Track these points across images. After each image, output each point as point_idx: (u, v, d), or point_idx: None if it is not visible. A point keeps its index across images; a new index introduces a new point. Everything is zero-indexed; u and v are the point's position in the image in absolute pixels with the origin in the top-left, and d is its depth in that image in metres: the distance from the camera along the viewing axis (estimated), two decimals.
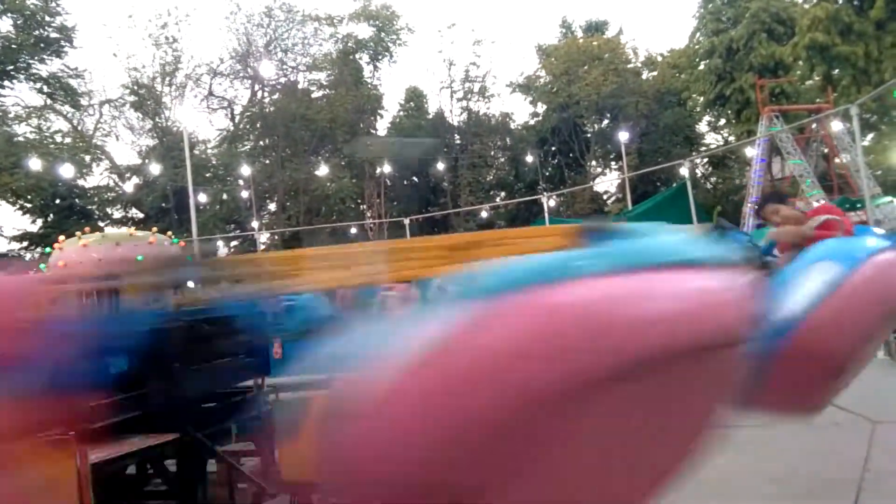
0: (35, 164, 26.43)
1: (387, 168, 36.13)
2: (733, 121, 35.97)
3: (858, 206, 17.58)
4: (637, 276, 1.35)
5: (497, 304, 1.27)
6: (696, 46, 37.70)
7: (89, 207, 33.00)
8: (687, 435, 1.55)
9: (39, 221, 31.58)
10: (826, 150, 27.12)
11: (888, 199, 18.26)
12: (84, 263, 7.61)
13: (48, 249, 8.62)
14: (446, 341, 1.23)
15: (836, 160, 26.27)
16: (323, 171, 35.04)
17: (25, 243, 31.13)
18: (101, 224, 31.02)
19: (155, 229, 10.24)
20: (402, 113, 41.99)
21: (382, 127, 41.55)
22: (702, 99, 37.72)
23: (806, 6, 27.17)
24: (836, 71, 25.72)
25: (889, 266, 2.36)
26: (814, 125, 25.94)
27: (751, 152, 27.83)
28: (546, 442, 1.27)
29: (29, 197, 30.36)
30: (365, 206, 38.77)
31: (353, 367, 1.32)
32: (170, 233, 10.82)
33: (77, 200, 32.31)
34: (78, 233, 9.08)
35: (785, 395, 2.27)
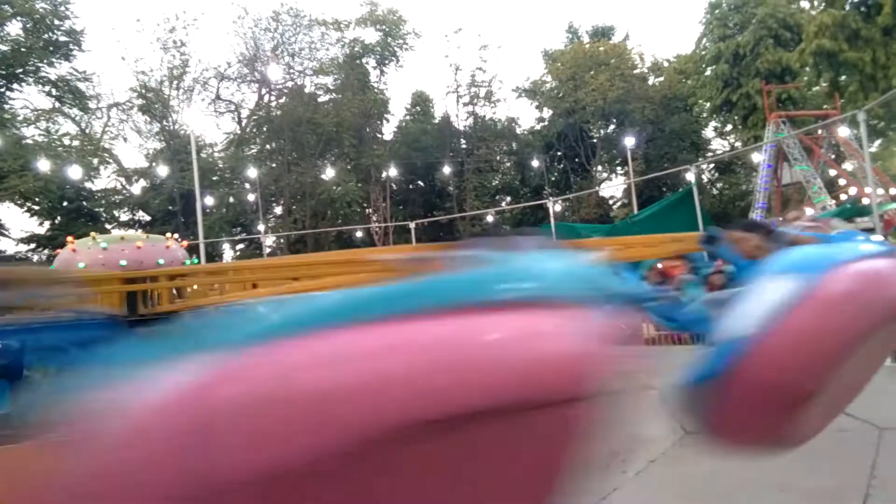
0: (43, 166, 26.59)
1: (393, 172, 36.21)
2: (740, 126, 35.93)
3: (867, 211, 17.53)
4: (449, 316, 1.10)
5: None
6: (703, 52, 37.70)
7: (97, 210, 33.16)
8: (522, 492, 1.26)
9: (47, 224, 31.75)
10: (834, 156, 27.06)
11: (893, 205, 18.20)
12: (105, 265, 7.53)
13: (69, 248, 8.44)
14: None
15: (846, 166, 26.20)
16: (329, 174, 35.13)
17: (33, 245, 31.29)
18: (108, 227, 31.18)
19: (168, 235, 10.22)
20: (408, 117, 42.10)
21: (388, 131, 41.71)
22: (708, 104, 37.71)
23: (813, 12, 27.13)
24: (843, 77, 25.65)
25: (873, 274, 1.98)
26: (821, 131, 25.88)
27: (757, 158, 27.80)
28: None
29: (37, 199, 30.51)
30: (371, 210, 38.85)
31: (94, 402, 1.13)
32: (176, 235, 10.83)
33: (84, 203, 32.48)
34: (92, 234, 9.03)
35: (739, 429, 1.96)
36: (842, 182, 25.34)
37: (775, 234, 3.05)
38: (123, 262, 7.69)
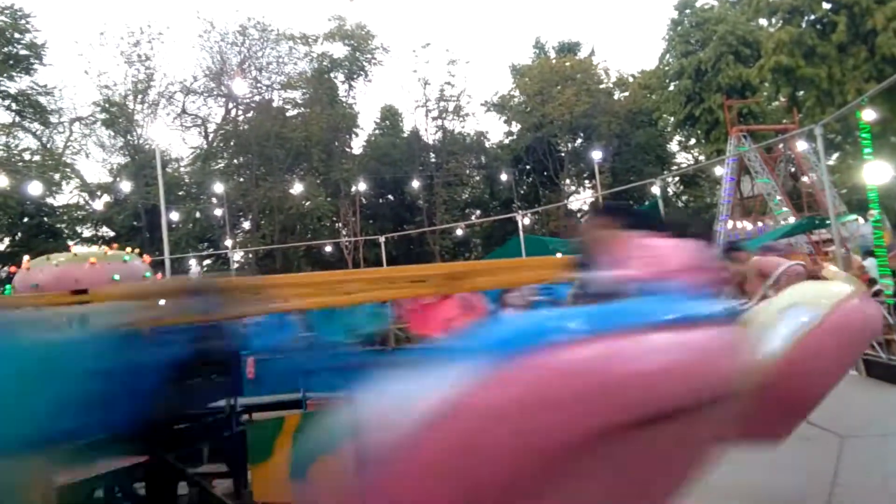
0: (2, 182, 25.92)
1: (362, 186, 36.10)
2: (703, 140, 36.66)
3: (826, 223, 17.98)
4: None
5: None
6: (666, 68, 38.45)
7: (58, 226, 32.43)
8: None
9: (7, 240, 30.92)
10: (793, 169, 27.72)
11: (853, 217, 18.71)
12: (59, 283, 7.38)
13: (25, 267, 8.27)
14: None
15: (804, 178, 26.85)
16: (298, 189, 34.87)
17: None
18: (69, 243, 30.46)
19: (129, 249, 10.03)
20: (377, 131, 42.08)
21: (358, 145, 41.63)
22: (672, 119, 38.43)
23: (771, 30, 27.87)
24: (801, 92, 26.36)
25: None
26: (781, 145, 26.52)
27: (720, 171, 28.35)
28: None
29: None
30: (340, 225, 38.64)
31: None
32: (137, 249, 10.64)
33: (46, 219, 31.74)
34: (46, 256, 8.85)
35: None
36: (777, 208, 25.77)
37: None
38: (76, 280, 7.53)
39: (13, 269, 8.63)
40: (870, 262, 9.83)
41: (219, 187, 32.34)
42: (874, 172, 9.01)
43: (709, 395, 1.45)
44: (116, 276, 8.09)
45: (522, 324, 1.58)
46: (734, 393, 1.54)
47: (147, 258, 10.19)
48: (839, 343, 2.33)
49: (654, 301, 1.63)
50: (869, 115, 9.02)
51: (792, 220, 22.46)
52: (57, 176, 32.26)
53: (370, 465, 1.34)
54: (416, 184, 36.85)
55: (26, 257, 8.61)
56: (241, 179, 37.30)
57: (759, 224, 25.75)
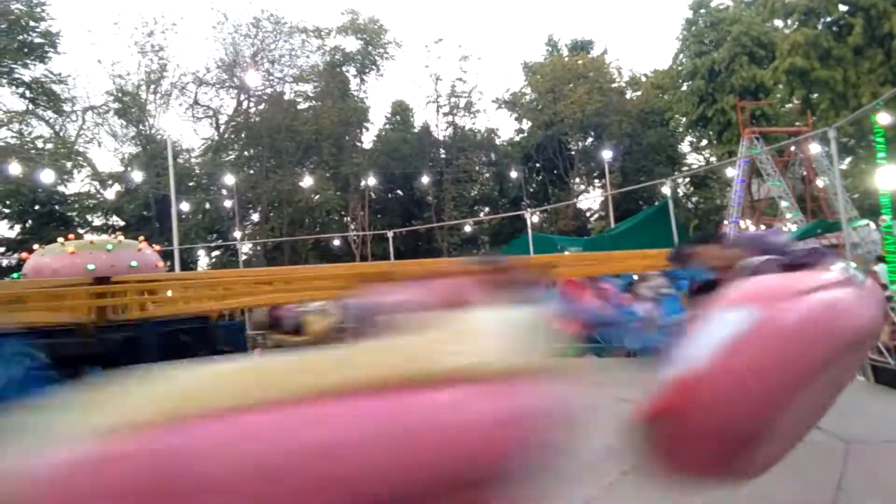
0: (14, 169, 26.09)
1: (372, 181, 36.12)
2: (715, 141, 36.46)
3: (837, 227, 17.86)
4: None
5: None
6: (680, 68, 38.24)
7: (69, 214, 32.61)
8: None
9: (17, 227, 31.13)
10: (805, 173, 27.55)
11: (864, 221, 18.57)
12: (74, 270, 7.41)
13: (39, 253, 8.31)
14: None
15: (818, 182, 26.69)
16: (307, 182, 34.94)
17: (2, 249, 30.66)
18: (80, 231, 30.64)
19: (142, 238, 10.07)
20: (387, 126, 42.09)
21: (368, 140, 41.67)
22: (684, 119, 38.23)
23: (786, 31, 27.66)
24: (815, 95, 26.17)
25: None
26: (793, 147, 26.35)
27: (731, 173, 28.21)
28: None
29: (7, 202, 29.95)
30: (349, 219, 38.69)
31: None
32: (145, 240, 10.69)
33: (57, 207, 31.92)
34: (60, 239, 8.88)
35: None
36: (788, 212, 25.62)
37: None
38: (91, 267, 7.56)
39: (25, 255, 8.66)
40: (881, 268, 9.76)
41: (229, 179, 32.45)
42: (887, 177, 8.92)
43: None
44: (134, 263, 8.13)
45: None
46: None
47: (157, 247, 10.24)
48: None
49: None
50: (884, 118, 8.93)
51: (802, 223, 22.32)
52: (69, 164, 32.46)
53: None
54: (425, 179, 36.84)
55: (36, 245, 8.64)
56: (252, 171, 37.40)
57: (762, 227, 25.60)
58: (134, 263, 8.12)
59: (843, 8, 24.55)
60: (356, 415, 1.11)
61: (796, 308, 1.83)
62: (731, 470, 1.90)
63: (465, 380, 1.19)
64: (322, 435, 1.08)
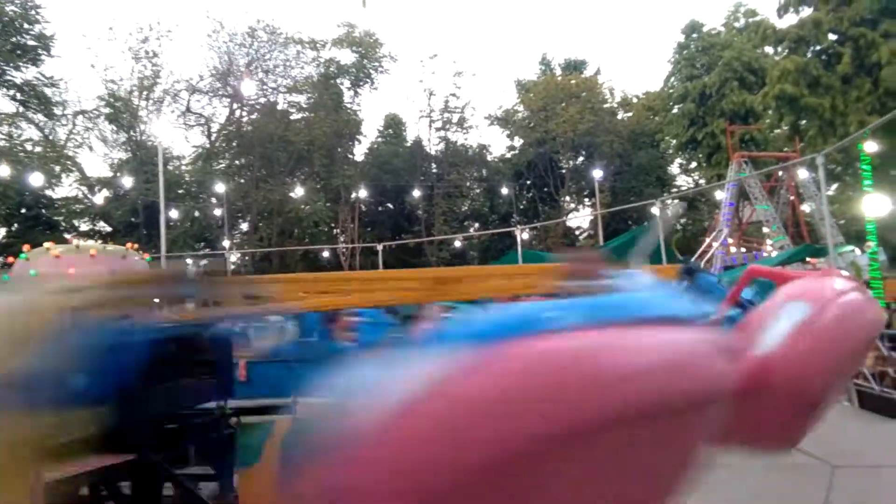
0: (3, 171, 25.86)
1: (362, 193, 36.11)
2: (704, 164, 36.80)
3: (824, 252, 18.02)
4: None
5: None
6: (671, 90, 38.66)
7: (56, 218, 32.32)
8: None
9: (3, 230, 30.82)
10: (791, 198, 27.84)
11: (850, 248, 18.76)
12: (57, 275, 7.34)
13: (23, 255, 8.23)
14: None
15: (804, 207, 26.98)
16: (298, 193, 34.87)
17: None
18: (66, 236, 30.37)
19: (129, 244, 9.99)
20: (380, 139, 42.18)
21: (360, 152, 41.71)
22: (674, 141, 38.60)
23: (776, 58, 28.06)
24: (804, 121, 26.50)
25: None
26: (780, 172, 26.64)
27: (720, 195, 28.46)
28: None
29: None
30: (339, 231, 38.61)
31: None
32: (135, 245, 10.60)
33: (44, 211, 31.65)
34: (46, 244, 8.79)
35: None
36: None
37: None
38: (73, 272, 7.50)
39: (10, 258, 8.57)
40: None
41: (219, 187, 32.32)
42: (873, 204, 9.04)
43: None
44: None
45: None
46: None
47: (145, 255, 10.16)
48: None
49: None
50: (871, 147, 9.07)
51: (789, 247, 22.51)
52: (57, 168, 32.20)
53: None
54: (416, 193, 36.88)
55: (26, 246, 8.55)
56: (242, 181, 37.29)
57: (744, 250, 25.82)
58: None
59: (832, 37, 24.95)
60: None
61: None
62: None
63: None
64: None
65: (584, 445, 1.29)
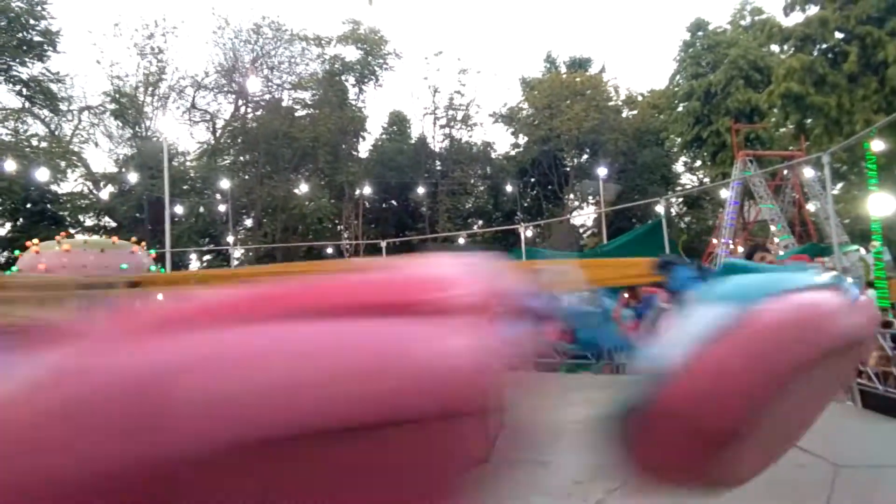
0: (8, 166, 25.96)
1: (367, 190, 36.11)
2: (709, 163, 36.68)
3: (829, 251, 17.96)
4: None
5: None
6: (676, 88, 38.53)
7: (61, 213, 32.44)
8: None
9: (8, 225, 30.95)
10: (796, 196, 27.76)
11: (854, 247, 18.69)
12: (67, 269, 7.41)
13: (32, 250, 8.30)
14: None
15: (809, 206, 26.91)
16: (302, 189, 34.91)
17: None
18: (72, 231, 30.48)
19: (134, 239, 10.07)
20: (384, 136, 42.17)
21: (364, 149, 41.72)
22: (679, 140, 38.46)
23: (782, 56, 27.95)
24: (809, 120, 26.40)
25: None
26: (786, 171, 26.56)
27: (724, 194, 28.39)
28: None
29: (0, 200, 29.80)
30: (342, 227, 38.64)
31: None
32: (143, 242, 10.66)
33: (49, 206, 31.76)
34: (57, 237, 8.86)
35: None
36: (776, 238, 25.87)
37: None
38: (85, 266, 7.56)
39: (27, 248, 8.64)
40: (870, 294, 9.83)
41: (224, 183, 32.39)
42: (878, 204, 9.01)
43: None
44: (125, 266, 8.11)
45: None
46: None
47: (152, 255, 10.24)
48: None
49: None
50: (877, 146, 9.03)
51: (794, 246, 22.45)
52: (63, 163, 32.32)
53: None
54: (420, 190, 36.87)
55: (35, 240, 8.61)
56: (247, 177, 37.35)
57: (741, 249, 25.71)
58: (124, 266, 8.11)
59: (838, 35, 24.85)
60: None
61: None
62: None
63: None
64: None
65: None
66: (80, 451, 0.91)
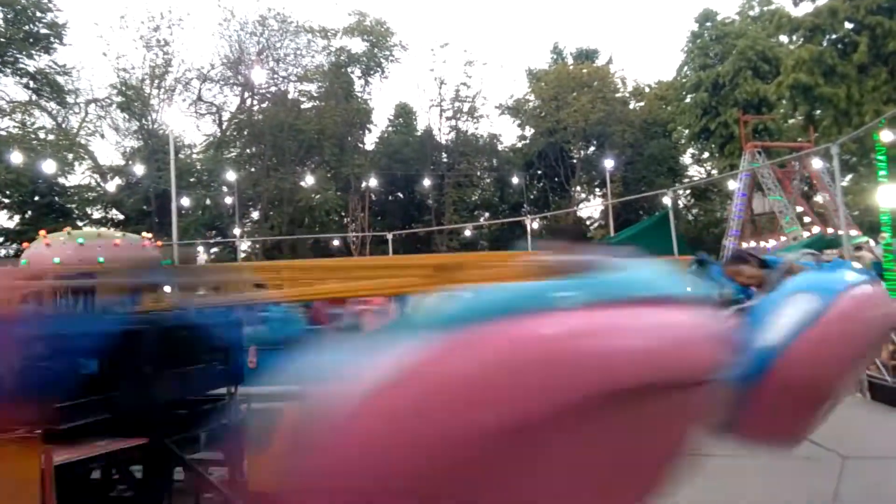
0: (16, 159, 26.06)
1: (373, 182, 36.12)
2: (716, 154, 36.52)
3: (837, 243, 17.87)
4: (609, 310, 1.39)
5: (464, 334, 1.27)
6: (684, 80, 38.33)
7: (69, 206, 32.56)
8: (656, 465, 1.54)
9: (17, 218, 31.09)
10: (806, 188, 27.60)
11: (864, 239, 18.57)
12: (82, 262, 7.43)
13: (41, 241, 8.33)
14: (413, 367, 1.23)
15: (817, 198, 26.75)
16: (308, 181, 34.94)
17: (1, 239, 30.62)
18: (79, 223, 30.61)
19: (145, 233, 10.08)
20: (390, 128, 42.11)
21: (370, 142, 41.69)
22: (687, 131, 38.28)
23: (791, 47, 27.74)
24: (818, 111, 26.23)
25: (866, 298, 2.36)
26: (794, 162, 26.41)
27: (732, 186, 28.25)
28: (509, 469, 1.27)
29: (7, 192, 29.91)
30: (349, 220, 38.69)
31: (323, 386, 1.34)
32: (148, 234, 10.67)
33: (56, 198, 31.88)
34: (41, 232, 8.86)
35: (767, 426, 2.26)
36: (807, 219, 25.90)
37: (770, 263, 3.30)
38: (101, 259, 7.59)
39: (26, 244, 8.64)
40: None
41: (230, 176, 32.43)
42: (888, 195, 8.94)
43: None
44: (100, 259, 8.11)
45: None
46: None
47: (158, 243, 10.25)
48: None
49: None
50: (886, 136, 8.95)
51: (802, 237, 22.33)
52: (70, 156, 32.43)
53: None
54: (426, 183, 36.83)
55: (42, 232, 8.61)
56: (253, 169, 37.40)
57: (763, 244, 25.60)
58: (100, 259, 8.10)
59: (848, 26, 24.63)
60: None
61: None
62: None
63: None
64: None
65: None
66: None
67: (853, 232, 19.85)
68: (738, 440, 2.27)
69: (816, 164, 24.11)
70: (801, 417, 2.26)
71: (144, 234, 10.11)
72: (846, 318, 2.20)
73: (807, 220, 26.36)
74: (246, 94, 38.46)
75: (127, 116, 35.59)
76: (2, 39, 29.55)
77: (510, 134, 56.33)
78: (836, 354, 2.16)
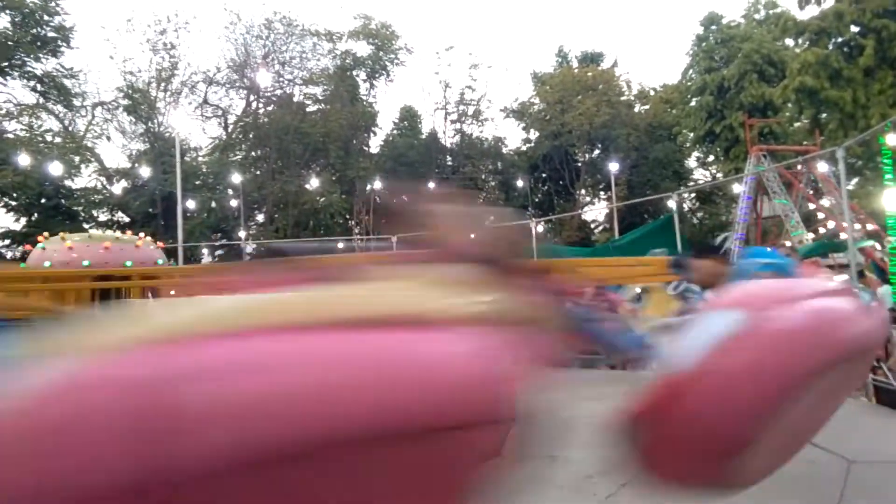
0: (23, 161, 26.21)
1: (378, 185, 36.17)
2: (722, 158, 36.45)
3: (843, 247, 17.82)
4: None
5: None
6: (689, 83, 38.29)
7: (75, 208, 32.72)
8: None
9: (24, 220, 31.25)
10: (811, 192, 27.50)
11: (870, 242, 18.50)
12: (71, 264, 7.48)
13: (40, 245, 8.39)
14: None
15: (823, 202, 26.66)
16: (314, 184, 35.03)
17: (7, 241, 30.78)
18: (85, 226, 30.74)
19: (142, 234, 10.15)
20: (395, 131, 42.20)
21: (375, 145, 41.78)
22: (692, 135, 38.24)
23: (797, 50, 27.70)
24: (824, 114, 26.16)
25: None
26: (800, 166, 26.33)
27: (738, 189, 28.19)
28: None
29: (14, 195, 30.07)
30: (353, 222, 38.75)
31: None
32: (148, 237, 10.72)
33: (63, 201, 32.03)
34: (61, 234, 8.93)
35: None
36: (820, 216, 25.81)
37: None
38: (86, 263, 7.62)
39: (28, 247, 8.72)
40: (885, 290, 9.74)
41: (235, 178, 32.55)
42: (894, 199, 8.91)
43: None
44: (129, 263, 8.15)
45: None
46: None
47: (161, 244, 10.30)
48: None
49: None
50: (892, 140, 8.92)
51: (808, 241, 22.28)
52: (77, 159, 32.59)
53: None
54: (431, 185, 36.81)
55: (45, 234, 8.70)
56: (258, 172, 37.51)
57: (768, 248, 25.49)
58: (129, 263, 8.15)
59: (854, 29, 24.58)
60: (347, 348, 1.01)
61: (790, 312, 1.71)
62: (720, 478, 1.75)
63: (437, 322, 1.11)
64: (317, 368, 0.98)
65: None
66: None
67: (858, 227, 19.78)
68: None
69: (822, 167, 24.04)
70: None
71: (141, 235, 10.18)
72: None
73: (820, 216, 26.15)
74: (251, 98, 38.63)
75: (133, 119, 35.78)
76: (9, 43, 29.72)
77: (515, 137, 56.44)
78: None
